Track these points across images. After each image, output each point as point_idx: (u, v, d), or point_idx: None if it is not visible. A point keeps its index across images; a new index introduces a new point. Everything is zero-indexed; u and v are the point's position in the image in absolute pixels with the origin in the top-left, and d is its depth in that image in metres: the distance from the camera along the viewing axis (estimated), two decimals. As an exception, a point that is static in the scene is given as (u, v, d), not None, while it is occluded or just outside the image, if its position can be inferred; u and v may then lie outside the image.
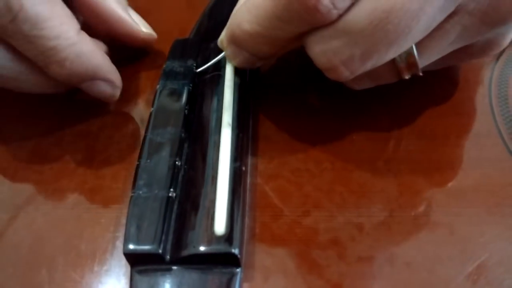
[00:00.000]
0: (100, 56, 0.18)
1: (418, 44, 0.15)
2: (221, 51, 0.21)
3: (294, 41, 0.16)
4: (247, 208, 0.17)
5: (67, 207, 0.17)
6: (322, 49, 0.15)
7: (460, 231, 0.16)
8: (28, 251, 0.16)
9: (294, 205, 0.17)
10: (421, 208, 0.16)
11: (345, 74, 0.15)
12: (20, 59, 0.17)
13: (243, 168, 0.17)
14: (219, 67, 0.20)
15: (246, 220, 0.16)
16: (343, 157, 0.18)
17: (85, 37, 0.18)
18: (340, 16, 0.14)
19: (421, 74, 0.17)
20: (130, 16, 0.20)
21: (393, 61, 0.16)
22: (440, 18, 0.15)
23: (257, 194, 0.17)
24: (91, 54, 0.18)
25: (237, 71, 0.20)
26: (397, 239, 0.16)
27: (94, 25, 0.20)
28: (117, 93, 0.20)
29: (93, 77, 0.18)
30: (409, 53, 0.16)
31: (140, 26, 0.21)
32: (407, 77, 0.17)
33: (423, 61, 0.16)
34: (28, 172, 0.19)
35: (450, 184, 0.17)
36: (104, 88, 0.19)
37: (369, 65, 0.15)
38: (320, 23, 0.15)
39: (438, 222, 0.16)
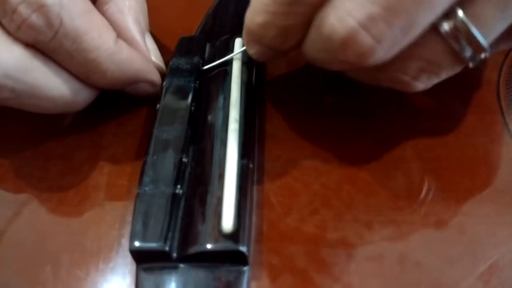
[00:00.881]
0: (139, 60, 0.19)
1: (468, 12, 0.13)
2: (227, 48, 0.21)
3: (306, 29, 0.15)
4: (254, 206, 0.16)
5: (71, 204, 0.17)
6: (336, 18, 0.13)
7: (470, 231, 0.16)
8: (32, 248, 0.16)
9: (301, 203, 0.17)
10: (431, 207, 0.16)
11: (368, 42, 0.13)
12: (62, 76, 0.17)
13: (251, 166, 0.17)
14: (226, 63, 0.20)
15: (254, 218, 0.16)
16: (351, 155, 0.18)
17: (123, 45, 0.18)
18: None
19: (487, 54, 0.14)
20: (145, 41, 0.20)
21: (445, 41, 0.14)
22: None
23: (264, 192, 0.17)
24: (130, 60, 0.18)
25: (244, 68, 0.20)
26: (406, 238, 0.16)
27: None
28: (158, 89, 0.20)
29: (135, 81, 0.19)
30: (457, 23, 0.13)
31: (151, 54, 0.20)
32: (471, 63, 0.14)
33: (484, 34, 0.14)
34: (32, 169, 0.19)
35: (459, 183, 0.17)
36: (145, 89, 0.19)
37: (398, 30, 0.13)
38: None
39: (448, 221, 0.16)
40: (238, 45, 0.21)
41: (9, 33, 0.16)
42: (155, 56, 0.20)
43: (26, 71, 0.16)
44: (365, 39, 0.13)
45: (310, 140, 0.19)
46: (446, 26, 0.14)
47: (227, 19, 0.24)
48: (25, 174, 0.18)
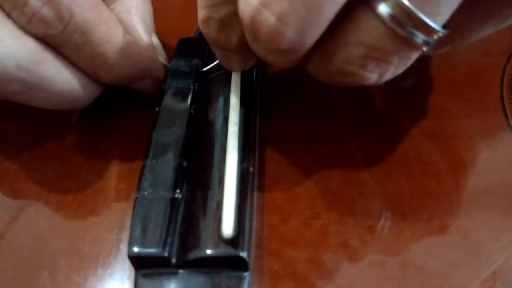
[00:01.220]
0: (147, 56, 0.18)
1: None
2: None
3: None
4: (255, 210, 0.16)
5: (70, 208, 0.17)
6: (242, 0, 0.13)
7: (474, 235, 0.15)
8: (30, 253, 0.16)
9: (303, 208, 0.16)
10: (434, 211, 0.16)
11: (272, 22, 0.12)
12: (71, 70, 0.17)
13: (251, 169, 0.16)
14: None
15: (254, 222, 0.16)
16: (352, 158, 0.18)
17: (131, 40, 0.18)
18: None
19: (443, 34, 0.13)
20: (151, 40, 0.20)
21: (384, 24, 0.12)
22: None
23: (265, 196, 0.17)
24: (138, 56, 0.18)
25: (244, 70, 0.20)
26: (409, 243, 0.15)
27: None
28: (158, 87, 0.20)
29: (141, 78, 0.19)
30: (395, 4, 0.12)
31: (157, 53, 0.20)
32: (425, 47, 0.13)
33: (431, 14, 0.12)
34: (30, 173, 0.18)
35: (462, 187, 0.17)
36: (149, 85, 0.19)
37: (302, 8, 0.12)
38: None
39: (451, 225, 0.16)
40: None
41: (19, 26, 0.15)
42: (161, 55, 0.20)
43: (38, 63, 0.16)
44: (268, 18, 0.12)
45: (311, 143, 0.18)
46: (383, 8, 0.12)
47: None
48: (23, 178, 0.18)
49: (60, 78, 0.16)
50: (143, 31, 0.19)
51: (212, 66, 0.20)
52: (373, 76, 0.14)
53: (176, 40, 0.22)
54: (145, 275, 0.14)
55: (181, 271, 0.14)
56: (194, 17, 0.25)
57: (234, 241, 0.14)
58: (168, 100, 0.19)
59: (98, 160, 0.18)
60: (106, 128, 0.20)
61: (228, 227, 0.14)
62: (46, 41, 0.16)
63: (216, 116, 0.18)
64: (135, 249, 0.14)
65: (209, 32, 0.16)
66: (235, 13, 0.14)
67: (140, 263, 0.14)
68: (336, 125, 0.19)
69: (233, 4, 0.14)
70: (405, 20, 0.12)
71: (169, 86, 0.19)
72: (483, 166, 0.17)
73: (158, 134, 0.17)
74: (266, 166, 0.18)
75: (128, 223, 0.16)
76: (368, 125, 0.19)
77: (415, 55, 0.14)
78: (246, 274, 0.14)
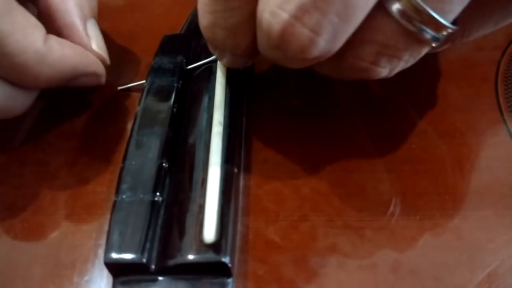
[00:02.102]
0: (74, 55, 0.17)
1: None
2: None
3: (253, 26, 0.14)
4: (239, 213, 0.15)
5: (47, 213, 0.16)
6: (269, 13, 0.12)
7: (468, 236, 0.15)
8: (4, 261, 0.15)
9: (290, 209, 0.16)
10: (426, 212, 0.15)
11: (306, 34, 0.12)
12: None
13: (235, 170, 0.16)
14: (211, 63, 0.19)
15: (238, 226, 0.15)
16: (342, 157, 0.17)
17: (54, 43, 0.16)
18: None
19: (452, 31, 0.13)
20: (85, 27, 0.18)
21: (397, 21, 0.13)
22: None
23: (251, 197, 0.16)
24: (64, 58, 0.17)
25: (229, 67, 0.19)
26: (401, 245, 0.15)
27: (44, 22, 0.18)
28: (103, 79, 0.19)
29: (73, 78, 0.17)
30: (407, 2, 0.12)
31: (92, 42, 0.18)
32: (434, 43, 0.13)
33: (441, 11, 0.13)
34: (6, 176, 0.18)
35: (456, 186, 0.16)
36: (88, 81, 0.18)
37: (335, 18, 0.12)
38: None
39: (444, 226, 0.15)
40: (224, 43, 0.20)
41: None
42: (97, 44, 0.19)
43: None
44: (302, 31, 0.12)
45: (299, 142, 0.18)
46: (396, 6, 0.13)
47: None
48: (-1, 181, 0.17)
49: None
50: (76, 16, 0.18)
51: (197, 64, 0.19)
52: (384, 71, 0.14)
53: (161, 37, 0.21)
54: (123, 283, 0.14)
55: (160, 278, 0.14)
56: (180, 14, 0.24)
57: (216, 246, 0.13)
58: (150, 99, 0.18)
59: (78, 161, 0.18)
60: (87, 128, 0.19)
61: (209, 232, 0.13)
62: None
63: (200, 115, 0.17)
64: (113, 256, 0.13)
65: (214, 38, 0.15)
66: (246, 20, 0.14)
67: (117, 270, 0.14)
68: (325, 124, 0.18)
69: (245, 10, 0.14)
70: (416, 16, 0.13)
71: (151, 84, 0.18)
72: (478, 163, 0.17)
73: (139, 134, 0.16)
74: (252, 167, 0.17)
75: (106, 227, 0.15)
76: (358, 122, 0.18)
77: (425, 51, 0.14)
78: (229, 280, 0.14)
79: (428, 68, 0.20)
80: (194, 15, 0.24)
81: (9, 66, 0.15)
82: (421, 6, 0.13)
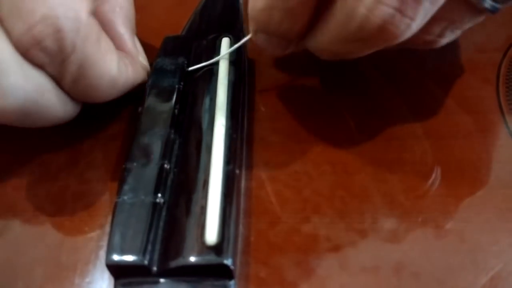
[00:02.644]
0: (134, 74, 0.18)
1: None
2: (214, 48, 0.20)
3: (313, 9, 0.15)
4: (241, 214, 0.15)
5: (48, 213, 0.16)
6: (366, 8, 0.13)
7: (471, 238, 0.15)
8: (4, 262, 0.15)
9: (292, 211, 0.16)
10: (429, 214, 0.15)
11: (406, 22, 0.13)
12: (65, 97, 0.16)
13: (237, 172, 0.16)
14: (213, 64, 0.19)
15: (240, 227, 0.15)
16: (344, 159, 0.17)
17: (122, 66, 0.17)
18: None
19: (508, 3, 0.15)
20: (134, 41, 0.19)
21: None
22: None
23: (252, 199, 0.16)
24: (128, 79, 0.17)
25: (231, 69, 0.19)
26: (403, 247, 0.15)
27: None
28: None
29: (128, 91, 0.18)
30: None
31: (139, 55, 0.19)
32: (491, 12, 0.15)
33: None
34: (7, 176, 0.17)
35: (459, 188, 0.16)
36: (133, 90, 0.18)
37: (428, 3, 0.13)
38: None
39: (447, 229, 0.15)
40: (225, 44, 0.20)
41: (19, 51, 0.14)
42: (142, 56, 0.20)
43: (42, 94, 0.15)
44: (403, 21, 0.13)
45: (301, 144, 0.18)
46: None
47: (214, 18, 0.23)
48: (0, 181, 0.17)
49: (58, 105, 0.16)
50: (126, 32, 0.18)
51: (199, 66, 0.19)
52: (446, 40, 0.16)
53: (162, 38, 0.21)
54: (124, 285, 0.14)
55: (162, 280, 0.14)
56: (181, 15, 0.24)
57: (218, 248, 0.13)
58: (152, 100, 0.18)
59: (79, 162, 0.18)
60: (88, 127, 0.19)
61: (211, 234, 0.13)
62: (43, 68, 0.15)
63: (202, 116, 0.17)
64: (114, 257, 0.13)
65: (270, 21, 0.15)
66: (306, 2, 0.14)
67: (119, 272, 0.14)
68: (327, 125, 0.18)
69: None
70: None
71: (153, 85, 0.18)
72: (480, 166, 0.17)
73: (140, 135, 0.16)
74: (254, 168, 0.17)
75: (108, 229, 0.15)
76: (360, 123, 0.18)
77: (482, 19, 0.16)
78: (231, 282, 0.14)
79: (429, 70, 0.20)
80: (195, 16, 0.24)
81: (83, 87, 0.16)
82: None
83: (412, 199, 0.16)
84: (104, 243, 0.15)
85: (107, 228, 0.15)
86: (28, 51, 0.14)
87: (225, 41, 0.20)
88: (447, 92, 0.19)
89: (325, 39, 0.15)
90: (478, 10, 0.15)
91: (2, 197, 0.17)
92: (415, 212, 0.15)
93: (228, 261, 0.13)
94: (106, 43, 0.16)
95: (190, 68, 0.19)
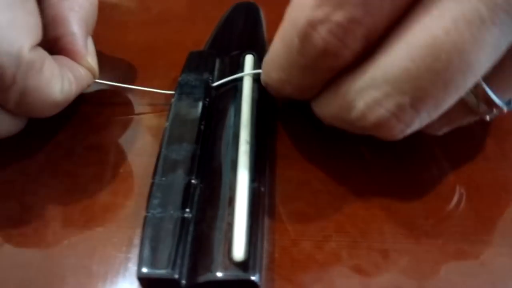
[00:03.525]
0: (77, 87, 0.18)
1: (491, 83, 0.14)
2: (238, 64, 0.21)
3: (322, 87, 0.16)
4: (266, 231, 0.16)
5: (77, 224, 0.17)
6: (365, 105, 0.14)
7: (491, 262, 0.15)
8: (37, 271, 0.16)
9: (314, 229, 0.16)
10: (449, 236, 0.16)
11: (399, 127, 0.14)
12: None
13: (262, 189, 0.16)
14: (237, 80, 0.20)
15: (265, 244, 0.15)
16: (365, 178, 0.17)
17: (67, 87, 0.17)
18: (364, 59, 0.14)
19: (505, 110, 0.14)
20: (86, 42, 0.19)
21: (467, 105, 0.14)
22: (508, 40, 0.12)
23: (276, 216, 0.16)
24: (72, 95, 0.18)
25: (255, 86, 0.19)
26: (424, 269, 0.15)
27: (49, 27, 0.19)
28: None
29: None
30: (476, 88, 0.14)
31: (88, 56, 0.19)
32: (488, 116, 0.15)
33: (501, 94, 0.14)
34: (37, 186, 0.18)
35: (479, 212, 0.16)
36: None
37: (425, 114, 0.13)
38: (338, 65, 0.14)
39: (467, 251, 0.15)
40: (249, 62, 0.21)
41: None
42: (91, 57, 0.20)
43: None
44: (396, 125, 0.14)
45: (323, 162, 0.18)
46: (469, 96, 0.14)
47: (237, 33, 0.24)
48: (31, 192, 0.18)
49: (2, 124, 0.17)
50: (79, 31, 0.19)
51: (223, 81, 0.20)
52: (441, 133, 0.16)
53: (186, 52, 0.22)
54: (154, 297, 0.14)
55: (190, 293, 0.14)
56: (202, 29, 0.25)
57: (245, 264, 0.14)
58: (178, 115, 0.18)
59: (106, 174, 0.18)
60: (115, 141, 0.19)
61: (239, 250, 0.14)
62: None
63: (227, 132, 0.18)
64: (145, 270, 0.14)
65: (280, 90, 0.17)
66: (320, 83, 0.15)
67: (149, 285, 0.14)
68: (349, 143, 0.19)
69: (320, 79, 0.15)
70: (480, 97, 0.14)
71: (179, 100, 0.19)
72: (500, 189, 0.17)
73: (167, 150, 0.17)
74: (277, 185, 0.17)
75: (136, 241, 0.15)
76: (381, 145, 0.18)
77: (476, 118, 0.16)
78: (257, 298, 0.14)
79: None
80: (218, 31, 0.24)
81: (25, 109, 0.17)
82: (488, 94, 0.14)
83: (432, 220, 0.16)
84: (132, 255, 0.16)
85: (135, 240, 0.16)
86: None
87: (249, 58, 0.21)
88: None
89: (327, 113, 0.16)
90: (475, 113, 0.15)
91: (34, 206, 0.17)
92: (436, 233, 0.16)
93: (255, 277, 0.13)
94: (49, 71, 0.17)
95: (215, 84, 0.20)
